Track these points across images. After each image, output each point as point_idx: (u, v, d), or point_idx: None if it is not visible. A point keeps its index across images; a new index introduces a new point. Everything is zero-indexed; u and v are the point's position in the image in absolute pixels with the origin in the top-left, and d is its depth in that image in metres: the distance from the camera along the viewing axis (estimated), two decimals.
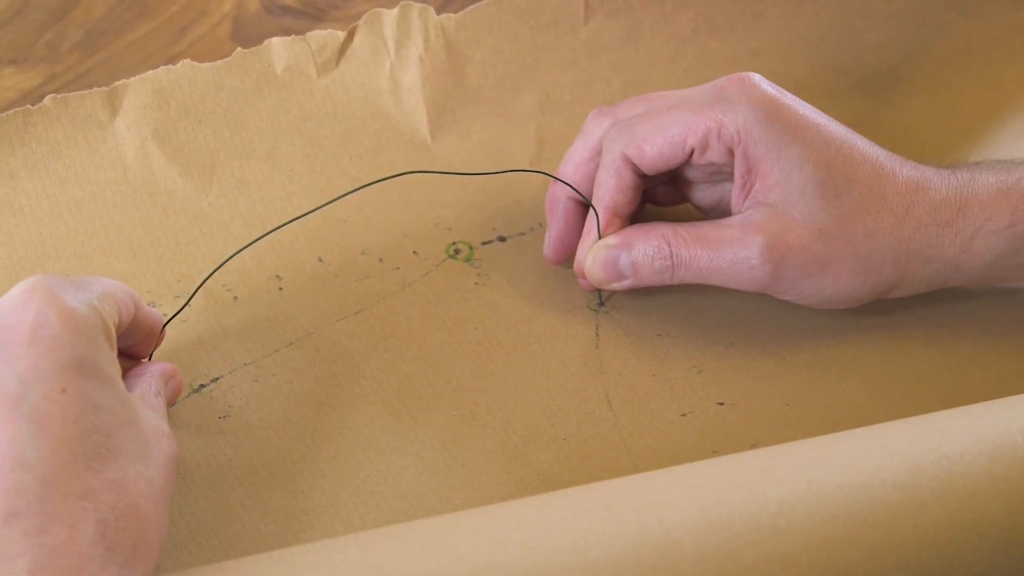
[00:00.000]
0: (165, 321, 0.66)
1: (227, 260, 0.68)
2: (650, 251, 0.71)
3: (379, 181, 0.71)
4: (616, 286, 0.72)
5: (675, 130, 0.70)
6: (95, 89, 0.74)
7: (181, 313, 0.69)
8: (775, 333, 0.74)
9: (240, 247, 0.69)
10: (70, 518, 0.50)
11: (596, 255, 0.72)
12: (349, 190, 0.70)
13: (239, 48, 0.77)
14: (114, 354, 0.58)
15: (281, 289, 0.72)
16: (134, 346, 0.65)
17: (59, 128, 0.73)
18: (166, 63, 0.78)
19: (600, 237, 0.72)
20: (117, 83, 0.74)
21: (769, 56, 0.85)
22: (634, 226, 0.72)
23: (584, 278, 0.73)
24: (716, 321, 0.74)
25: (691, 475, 0.58)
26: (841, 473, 0.57)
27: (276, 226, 0.69)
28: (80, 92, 0.74)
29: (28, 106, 0.72)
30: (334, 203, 0.71)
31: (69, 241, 0.72)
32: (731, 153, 0.70)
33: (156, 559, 0.54)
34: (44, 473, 0.50)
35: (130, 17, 0.86)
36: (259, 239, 0.68)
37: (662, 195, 0.76)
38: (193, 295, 0.68)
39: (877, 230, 0.70)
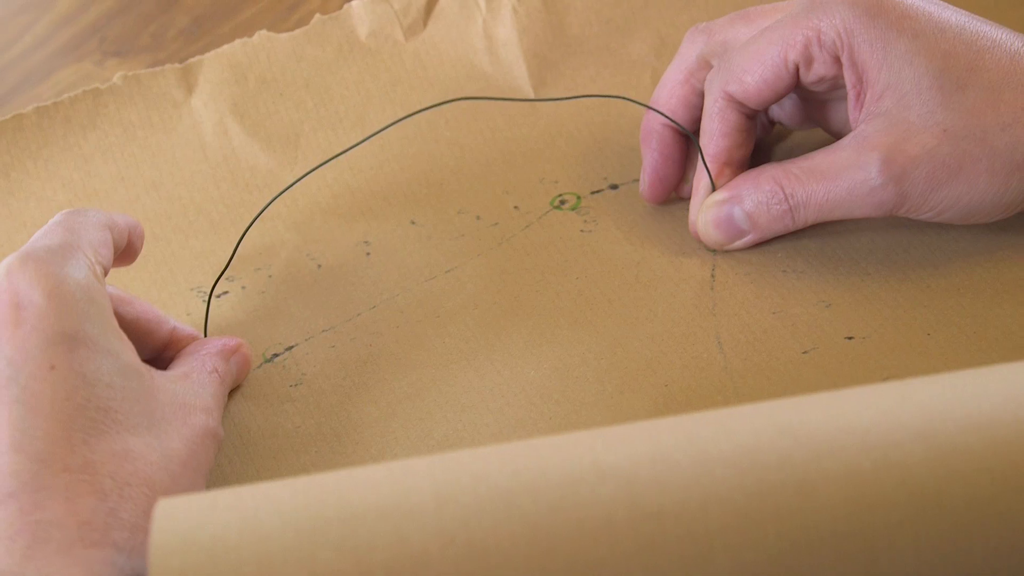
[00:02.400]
0: (209, 291, 0.63)
1: (254, 219, 0.64)
2: (763, 198, 0.64)
3: (424, 110, 0.67)
4: (738, 244, 0.65)
5: (773, 51, 0.63)
6: (168, 66, 0.71)
7: (259, 285, 0.65)
8: (920, 258, 0.65)
9: (317, 207, 0.65)
10: (66, 491, 0.49)
11: (707, 214, 0.65)
12: (386, 125, 0.66)
13: (318, 14, 0.73)
14: (114, 322, 0.54)
15: (368, 254, 0.67)
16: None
17: (132, 109, 0.70)
18: None
19: (712, 183, 0.65)
20: (191, 60, 0.71)
21: None
22: (740, 176, 0.65)
23: (699, 239, 0.66)
24: (850, 252, 0.66)
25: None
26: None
27: (319, 165, 0.65)
28: (152, 69, 0.71)
29: (97, 85, 0.70)
30: (436, 155, 0.68)
31: (147, 223, 0.68)
32: (838, 61, 0.62)
33: None
34: (37, 452, 0.49)
35: (238, 1, 0.83)
36: (293, 184, 0.66)
37: (789, 115, 0.69)
38: (231, 258, 0.64)
39: (1017, 120, 0.60)
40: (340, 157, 0.69)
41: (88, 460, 0.49)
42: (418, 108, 0.71)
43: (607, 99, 0.72)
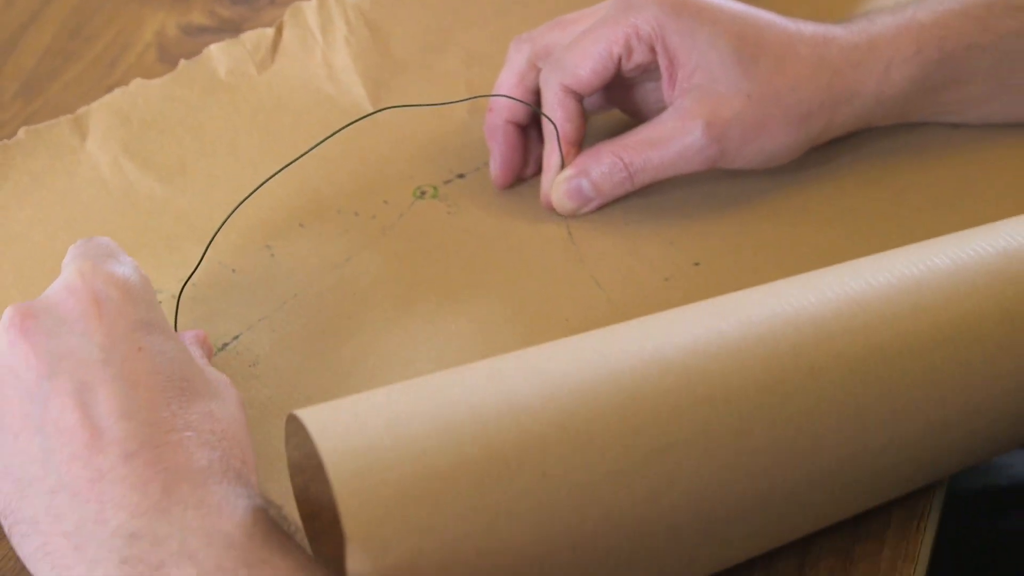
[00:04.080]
0: (182, 285, 0.72)
1: (223, 223, 0.74)
2: (605, 169, 0.78)
3: (353, 123, 0.77)
4: (586, 209, 0.79)
5: (599, 47, 0.77)
6: (62, 117, 0.79)
7: (186, 292, 0.74)
8: (727, 198, 0.80)
9: (223, 226, 0.75)
10: (180, 446, 0.56)
11: (558, 189, 0.78)
12: (319, 142, 0.76)
13: (183, 60, 0.83)
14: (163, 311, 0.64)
15: (273, 256, 0.77)
16: None
17: (37, 159, 0.78)
18: (105, 94, 0.83)
19: (562, 159, 0.78)
20: (80, 110, 0.80)
21: None
22: (583, 153, 0.79)
23: (552, 209, 0.79)
24: (674, 201, 0.80)
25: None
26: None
27: (255, 188, 0.74)
28: (49, 122, 0.79)
29: (5, 140, 0.78)
30: (307, 168, 0.78)
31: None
32: (653, 50, 0.77)
33: (256, 481, 0.59)
34: (145, 418, 0.57)
35: (59, 63, 0.92)
36: (242, 203, 0.74)
37: (591, 102, 0.83)
38: (204, 254, 0.73)
39: (798, 83, 0.77)
40: (225, 181, 0.80)
41: (187, 421, 0.57)
42: (280, 132, 0.82)
43: (436, 108, 0.84)
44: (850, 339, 0.59)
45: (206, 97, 0.83)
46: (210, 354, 0.70)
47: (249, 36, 0.85)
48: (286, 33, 0.85)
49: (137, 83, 0.82)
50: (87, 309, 0.60)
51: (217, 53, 0.84)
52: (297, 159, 0.76)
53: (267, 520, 0.55)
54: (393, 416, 0.53)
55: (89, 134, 0.80)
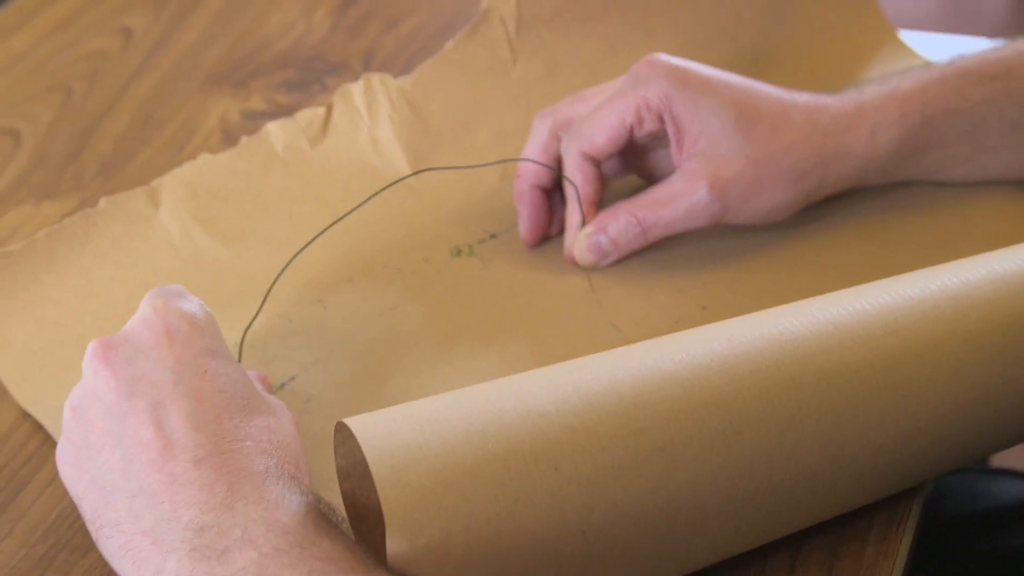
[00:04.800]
0: (244, 330, 0.82)
1: (281, 272, 0.83)
2: (622, 226, 0.87)
3: (393, 184, 0.88)
4: (604, 263, 0.88)
5: (613, 118, 0.86)
6: (138, 188, 0.89)
7: (252, 339, 0.83)
8: (732, 251, 0.89)
9: (281, 281, 0.84)
10: (241, 454, 0.65)
11: (579, 245, 0.88)
12: (366, 200, 0.86)
13: (244, 137, 0.93)
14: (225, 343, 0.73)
15: (325, 308, 0.86)
16: None
17: (115, 225, 0.88)
18: None
19: (583, 218, 0.87)
20: (153, 182, 0.90)
21: None
22: (601, 212, 0.88)
23: (574, 263, 0.88)
24: (683, 253, 0.89)
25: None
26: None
27: (308, 242, 0.84)
28: (127, 192, 0.89)
29: (88, 209, 0.88)
30: (355, 230, 0.88)
31: None
32: (661, 119, 0.86)
33: (308, 483, 0.68)
34: (212, 430, 0.66)
35: (134, 147, 1.02)
36: (297, 255, 0.84)
37: (609, 168, 0.92)
38: (268, 293, 0.84)
39: (793, 145, 0.86)
40: (282, 245, 0.89)
41: (248, 433, 0.66)
42: (331, 200, 0.92)
43: (470, 177, 0.94)
44: (828, 356, 0.67)
45: (265, 170, 0.93)
46: (270, 392, 0.79)
47: (303, 115, 0.95)
48: (336, 112, 0.95)
49: (203, 157, 0.92)
50: (160, 339, 0.69)
51: (274, 130, 0.94)
52: (345, 215, 0.86)
53: (318, 512, 0.63)
54: (426, 420, 0.62)
55: (161, 203, 0.90)
